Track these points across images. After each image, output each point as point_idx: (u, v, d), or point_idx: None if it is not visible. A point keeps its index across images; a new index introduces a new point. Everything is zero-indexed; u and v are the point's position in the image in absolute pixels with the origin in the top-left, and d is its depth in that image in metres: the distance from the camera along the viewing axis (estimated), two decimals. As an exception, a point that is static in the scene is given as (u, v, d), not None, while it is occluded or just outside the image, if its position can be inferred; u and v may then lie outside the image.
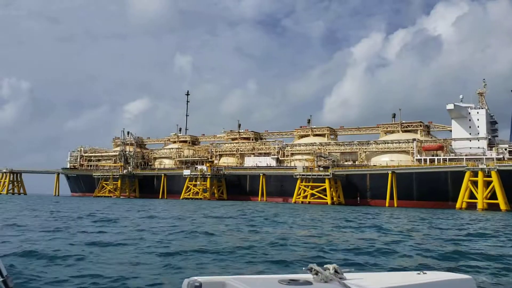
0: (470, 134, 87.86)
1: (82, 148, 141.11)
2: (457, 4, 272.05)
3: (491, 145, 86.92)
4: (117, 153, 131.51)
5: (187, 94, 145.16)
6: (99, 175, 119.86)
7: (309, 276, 2.95)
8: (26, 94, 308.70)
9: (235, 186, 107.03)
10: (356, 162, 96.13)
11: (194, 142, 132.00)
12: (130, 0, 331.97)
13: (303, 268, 3.01)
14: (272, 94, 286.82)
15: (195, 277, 2.84)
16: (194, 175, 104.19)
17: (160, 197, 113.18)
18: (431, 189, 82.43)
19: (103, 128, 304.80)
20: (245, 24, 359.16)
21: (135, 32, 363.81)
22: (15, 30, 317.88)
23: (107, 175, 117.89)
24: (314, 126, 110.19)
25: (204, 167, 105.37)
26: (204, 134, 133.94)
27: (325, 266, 2.98)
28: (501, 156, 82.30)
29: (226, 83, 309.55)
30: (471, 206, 72.18)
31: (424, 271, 3.37)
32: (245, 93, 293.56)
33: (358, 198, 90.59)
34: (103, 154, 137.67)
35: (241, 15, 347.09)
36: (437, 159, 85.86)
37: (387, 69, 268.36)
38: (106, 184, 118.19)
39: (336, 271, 2.94)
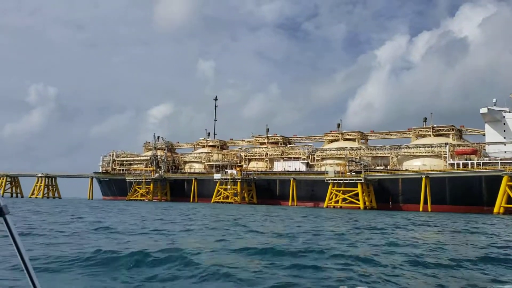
0: (504, 138, 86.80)
1: (114, 153, 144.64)
2: (483, 5, 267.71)
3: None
4: (148, 158, 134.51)
5: (215, 99, 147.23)
6: (132, 179, 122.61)
7: None
8: (53, 100, 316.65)
9: (265, 190, 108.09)
10: (388, 166, 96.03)
11: (223, 146, 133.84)
12: (156, 7, 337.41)
13: None
14: (295, 98, 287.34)
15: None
16: (224, 179, 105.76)
17: (191, 200, 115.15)
18: (465, 193, 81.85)
19: (128, 133, 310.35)
20: (266, 28, 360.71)
21: (158, 38, 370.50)
22: (41, 37, 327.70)
23: (140, 179, 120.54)
24: (344, 131, 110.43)
25: (234, 171, 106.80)
26: (232, 139, 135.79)
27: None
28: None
29: (248, 87, 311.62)
30: (509, 212, 71.48)
31: None
32: (267, 97, 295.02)
33: (390, 202, 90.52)
34: (134, 158, 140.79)
35: (261, 20, 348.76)
36: (471, 163, 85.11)
37: (411, 71, 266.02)
38: (138, 187, 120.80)
39: None
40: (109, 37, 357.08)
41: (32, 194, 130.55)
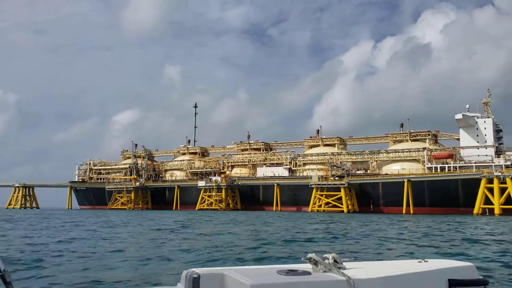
0: (477, 142, 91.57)
1: (91, 161, 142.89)
2: (444, 12, 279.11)
3: (498, 152, 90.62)
4: (127, 166, 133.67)
5: (195, 107, 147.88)
6: (112, 188, 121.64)
7: (308, 266, 2.97)
8: (13, 106, 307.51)
9: (248, 196, 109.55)
10: (368, 171, 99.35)
11: (204, 153, 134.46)
12: (121, 13, 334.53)
13: (302, 258, 3.03)
14: (264, 103, 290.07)
15: (194, 269, 2.94)
16: (209, 186, 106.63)
17: (174, 208, 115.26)
18: (443, 196, 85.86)
19: (93, 140, 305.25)
20: (231, 34, 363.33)
21: (122, 43, 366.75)
22: (1, 41, 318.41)
23: (121, 188, 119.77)
24: (324, 136, 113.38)
25: (219, 178, 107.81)
26: (213, 146, 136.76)
27: (324, 255, 2.99)
28: (508, 163, 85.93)
29: (217, 92, 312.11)
30: (485, 212, 75.53)
31: (426, 259, 3.36)
32: (236, 102, 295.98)
33: (372, 205, 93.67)
34: (113, 167, 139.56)
35: (226, 25, 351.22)
36: (448, 167, 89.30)
37: (376, 77, 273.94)
38: (119, 196, 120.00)
39: (335, 261, 2.96)
40: (71, 42, 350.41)
41: (9, 204, 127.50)
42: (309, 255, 2.97)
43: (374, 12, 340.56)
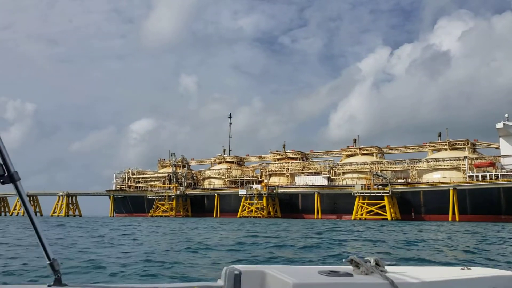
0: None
1: (129, 170, 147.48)
2: (461, 19, 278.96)
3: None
4: (165, 174, 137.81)
5: (230, 117, 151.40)
6: (154, 196, 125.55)
7: (349, 268, 2.92)
8: (31, 116, 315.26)
9: (286, 204, 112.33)
10: (409, 179, 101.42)
11: (239, 162, 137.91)
12: (141, 23, 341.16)
13: (343, 260, 3.01)
14: (279, 112, 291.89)
15: (235, 265, 2.89)
16: (250, 194, 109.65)
17: (214, 215, 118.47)
18: (484, 203, 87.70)
19: (109, 149, 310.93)
20: (243, 42, 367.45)
21: (135, 53, 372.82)
22: (15, 52, 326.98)
23: (162, 196, 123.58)
24: (362, 146, 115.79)
25: (259, 187, 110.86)
26: (248, 155, 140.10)
27: (365, 258, 2.94)
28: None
29: (233, 101, 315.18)
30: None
31: (469, 267, 3.26)
32: (252, 110, 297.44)
33: (413, 213, 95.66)
34: (151, 175, 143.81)
35: (238, 33, 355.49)
36: (489, 175, 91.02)
37: (392, 84, 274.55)
38: (161, 204, 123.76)
39: (377, 264, 2.89)
40: (85, 52, 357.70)
41: (54, 212, 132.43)
42: (351, 256, 2.98)
43: (386, 19, 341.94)
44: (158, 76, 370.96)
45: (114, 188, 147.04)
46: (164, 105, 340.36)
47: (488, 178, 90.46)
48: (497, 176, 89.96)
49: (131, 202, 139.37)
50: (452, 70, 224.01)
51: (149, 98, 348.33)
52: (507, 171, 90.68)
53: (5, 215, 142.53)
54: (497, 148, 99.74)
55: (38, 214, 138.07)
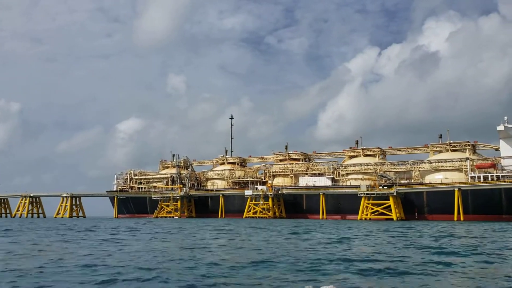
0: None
1: (131, 171, 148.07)
2: (449, 20, 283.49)
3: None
4: (168, 175, 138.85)
5: (231, 118, 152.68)
6: (158, 197, 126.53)
7: None
8: (16, 116, 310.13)
9: (291, 205, 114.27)
10: (412, 180, 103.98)
11: (242, 163, 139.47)
12: (134, 23, 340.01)
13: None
14: (268, 112, 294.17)
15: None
16: (256, 195, 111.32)
17: (219, 216, 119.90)
18: (486, 203, 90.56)
19: (96, 149, 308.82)
20: (229, 42, 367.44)
21: (120, 52, 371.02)
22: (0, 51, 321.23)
23: (167, 197, 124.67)
24: (364, 147, 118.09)
25: (264, 187, 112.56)
26: (251, 156, 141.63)
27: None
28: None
29: (222, 101, 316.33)
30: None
31: None
32: (240, 110, 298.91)
33: (416, 213, 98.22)
34: (153, 176, 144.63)
35: (224, 33, 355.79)
36: (491, 176, 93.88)
37: (380, 84, 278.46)
38: (165, 205, 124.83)
39: None
40: (69, 51, 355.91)
41: (58, 214, 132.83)
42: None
43: (372, 20, 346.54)
44: (145, 76, 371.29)
45: (115, 189, 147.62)
46: (152, 104, 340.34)
47: (489, 179, 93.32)
48: (498, 177, 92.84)
49: (133, 203, 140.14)
50: (441, 70, 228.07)
51: (137, 98, 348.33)
52: (507, 172, 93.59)
53: (6, 216, 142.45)
54: (497, 149, 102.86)
55: (41, 215, 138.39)
